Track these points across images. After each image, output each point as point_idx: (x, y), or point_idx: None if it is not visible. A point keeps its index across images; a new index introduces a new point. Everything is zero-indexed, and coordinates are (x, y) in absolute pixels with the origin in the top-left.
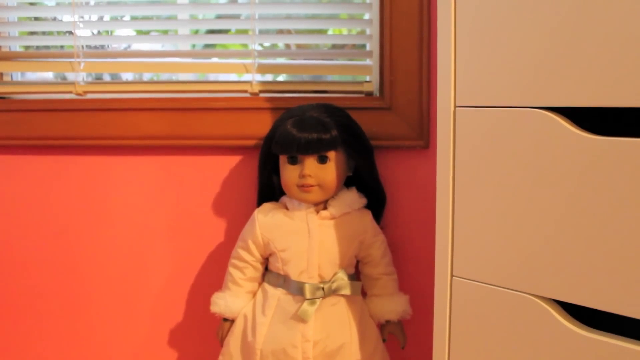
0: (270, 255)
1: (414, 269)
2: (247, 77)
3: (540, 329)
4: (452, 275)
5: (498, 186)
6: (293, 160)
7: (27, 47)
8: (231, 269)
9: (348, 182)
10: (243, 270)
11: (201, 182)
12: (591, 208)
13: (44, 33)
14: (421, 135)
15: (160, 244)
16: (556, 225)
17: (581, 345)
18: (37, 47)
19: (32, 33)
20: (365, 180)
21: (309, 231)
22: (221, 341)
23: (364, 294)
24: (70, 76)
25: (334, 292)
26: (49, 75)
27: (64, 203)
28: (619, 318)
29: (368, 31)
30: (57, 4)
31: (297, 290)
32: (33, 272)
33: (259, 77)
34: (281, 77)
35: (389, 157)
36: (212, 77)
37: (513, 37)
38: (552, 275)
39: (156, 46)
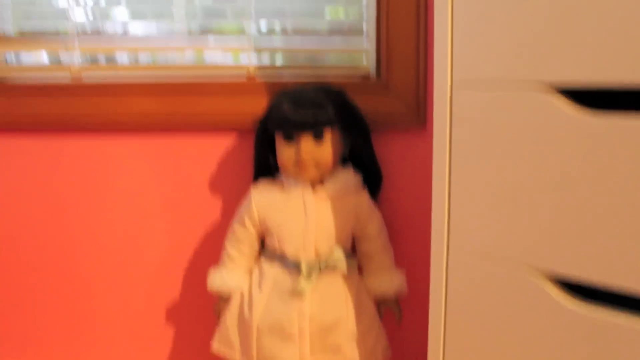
0: (266, 232)
1: (409, 245)
2: (243, 60)
3: (537, 303)
4: (448, 251)
5: (494, 165)
6: (289, 139)
7: (22, 33)
8: (228, 246)
9: (344, 160)
10: (240, 247)
11: (198, 162)
12: (587, 185)
13: (39, 16)
14: (418, 115)
15: (157, 223)
16: (552, 202)
17: (576, 320)
18: (33, 33)
19: (27, 16)
20: (361, 158)
21: (305, 209)
22: (218, 317)
23: (360, 270)
24: (66, 59)
25: (330, 268)
26: (44, 59)
27: (60, 185)
28: (615, 295)
29: (364, 13)
30: None
31: (293, 267)
32: (30, 254)
33: (255, 60)
34: (278, 61)
35: (385, 137)
36: (208, 60)
37: (510, 16)
38: (548, 251)
39: (152, 29)
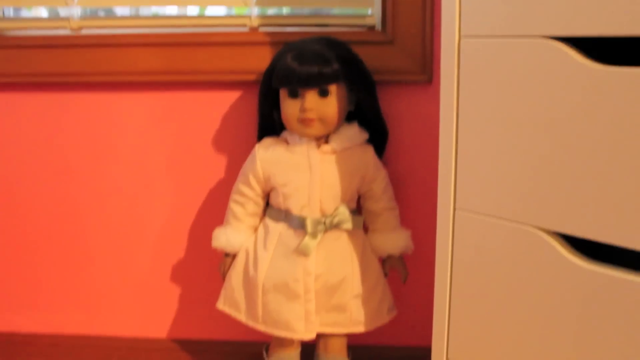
0: (271, 190)
1: (416, 204)
2: (246, 10)
3: (543, 261)
4: (454, 209)
5: (502, 119)
6: (293, 94)
7: None
8: (232, 204)
9: (349, 116)
10: (244, 206)
11: (201, 118)
12: (596, 141)
13: None
14: (424, 69)
15: (160, 181)
16: (560, 157)
17: (583, 277)
18: None
19: None
20: (367, 114)
21: (310, 166)
22: (223, 276)
23: (365, 229)
24: (65, 13)
25: (335, 226)
26: (42, 13)
27: (61, 141)
28: (621, 253)
29: None
30: None
31: (298, 224)
32: (33, 211)
33: (258, 11)
34: (282, 12)
35: (391, 92)
36: (210, 12)
37: None
38: (555, 208)
39: None
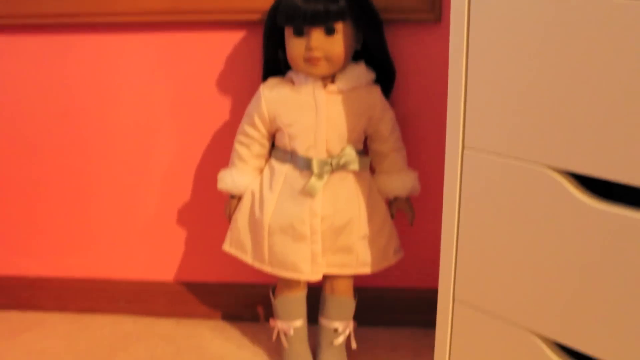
0: (276, 131)
1: (423, 145)
2: None
3: (553, 200)
4: (463, 147)
5: (512, 57)
6: (299, 33)
7: None
8: (237, 146)
9: (356, 56)
10: (249, 147)
11: (205, 59)
12: (606, 82)
13: None
14: (433, 7)
15: (164, 124)
16: (570, 96)
17: (593, 216)
18: None
19: None
20: (374, 54)
21: (316, 106)
22: (229, 217)
23: (372, 170)
24: None
25: (341, 167)
26: None
27: (64, 85)
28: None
29: None
30: None
31: (304, 165)
32: (39, 155)
33: None
34: None
35: (398, 31)
36: None
37: None
38: (565, 146)
39: None
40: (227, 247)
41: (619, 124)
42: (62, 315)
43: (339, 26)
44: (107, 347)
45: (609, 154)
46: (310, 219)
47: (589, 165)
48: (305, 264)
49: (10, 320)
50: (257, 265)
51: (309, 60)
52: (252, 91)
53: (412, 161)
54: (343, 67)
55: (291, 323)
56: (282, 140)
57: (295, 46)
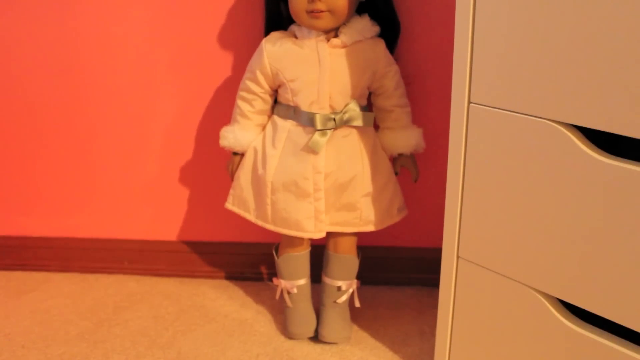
0: (279, 86)
1: (428, 102)
2: None
3: (560, 155)
4: (469, 102)
5: (519, 12)
6: None
7: None
8: (239, 102)
9: (360, 9)
10: (252, 103)
11: (206, 13)
12: (611, 36)
13: None
14: None
15: (166, 80)
16: (576, 50)
17: (601, 171)
18: None
19: None
20: (378, 7)
21: (320, 60)
22: (231, 175)
23: (376, 127)
24: None
25: (345, 123)
26: None
27: (65, 40)
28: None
29: None
30: None
31: (307, 121)
32: (38, 114)
33: None
34: None
35: None
36: None
37: None
38: (572, 100)
39: None
40: (229, 205)
41: (626, 78)
42: (66, 275)
43: None
44: (111, 307)
45: (615, 108)
46: (314, 176)
47: (596, 119)
48: (309, 221)
49: (15, 280)
50: (259, 222)
51: (312, 13)
52: (254, 46)
53: (417, 118)
54: (347, 21)
55: (294, 282)
56: (285, 96)
57: None
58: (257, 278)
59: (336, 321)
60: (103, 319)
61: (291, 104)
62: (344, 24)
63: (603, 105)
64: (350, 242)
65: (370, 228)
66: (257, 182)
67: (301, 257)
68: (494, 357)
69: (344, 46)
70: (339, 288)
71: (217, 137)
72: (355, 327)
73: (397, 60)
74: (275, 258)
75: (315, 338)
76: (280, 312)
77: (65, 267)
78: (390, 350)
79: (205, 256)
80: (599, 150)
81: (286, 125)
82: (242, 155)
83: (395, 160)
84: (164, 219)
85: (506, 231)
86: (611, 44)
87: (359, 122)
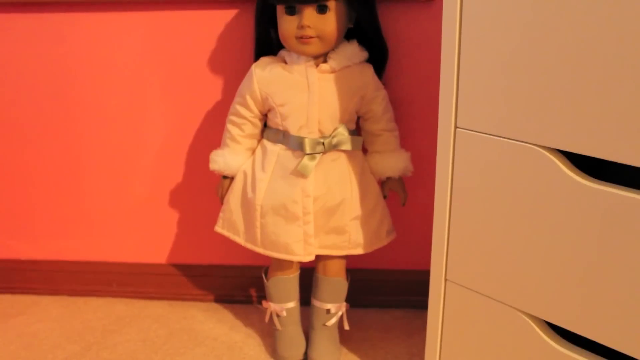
0: (269, 110)
1: (416, 125)
2: None
3: (545, 179)
4: (455, 127)
5: (505, 38)
6: (291, 11)
7: None
8: (229, 126)
9: (349, 35)
10: (241, 127)
11: (196, 37)
12: (596, 62)
13: None
14: None
15: (156, 104)
16: (561, 76)
17: (585, 195)
18: None
19: None
20: (366, 33)
21: (309, 85)
22: (221, 199)
23: (364, 150)
24: None
25: (334, 147)
26: None
27: (56, 64)
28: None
29: None
30: None
31: (296, 145)
32: (28, 137)
33: None
34: None
35: (391, 9)
36: None
37: None
38: (557, 125)
39: None
40: (219, 228)
41: (611, 103)
42: (54, 298)
43: (331, 4)
44: (100, 330)
45: (599, 133)
46: (303, 199)
47: (581, 144)
48: (298, 244)
49: (2, 304)
50: (249, 246)
51: (301, 39)
52: (244, 70)
53: (405, 142)
54: (335, 46)
55: (284, 305)
56: (274, 120)
57: (287, 25)
58: (247, 301)
59: (325, 344)
60: (91, 343)
61: (280, 128)
62: (333, 49)
63: (587, 130)
64: (339, 264)
65: (359, 251)
66: (247, 206)
67: (290, 280)
68: None
69: (333, 71)
70: (328, 311)
71: (207, 161)
72: (344, 350)
73: (385, 85)
74: (265, 281)
75: None
76: (269, 335)
77: (53, 290)
78: None
79: (195, 279)
80: (584, 174)
81: (275, 149)
82: (232, 178)
83: (383, 183)
84: (153, 242)
85: (493, 254)
86: (595, 69)
87: (347, 146)
